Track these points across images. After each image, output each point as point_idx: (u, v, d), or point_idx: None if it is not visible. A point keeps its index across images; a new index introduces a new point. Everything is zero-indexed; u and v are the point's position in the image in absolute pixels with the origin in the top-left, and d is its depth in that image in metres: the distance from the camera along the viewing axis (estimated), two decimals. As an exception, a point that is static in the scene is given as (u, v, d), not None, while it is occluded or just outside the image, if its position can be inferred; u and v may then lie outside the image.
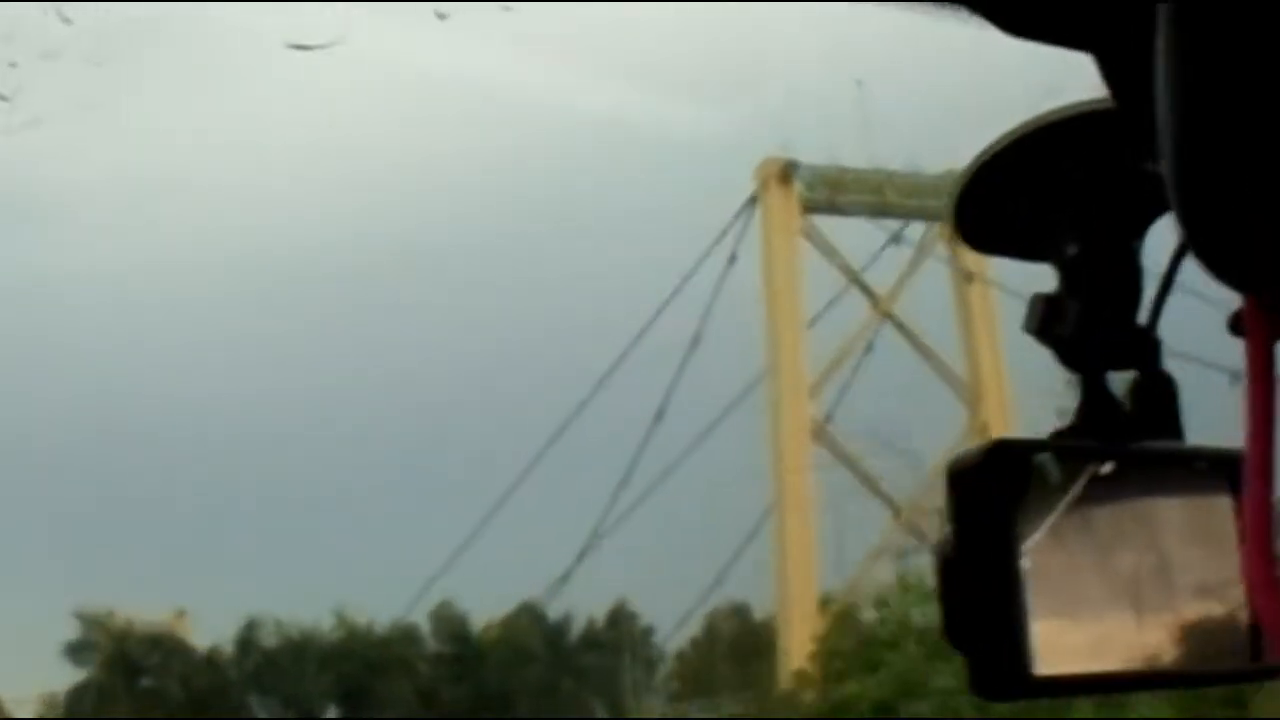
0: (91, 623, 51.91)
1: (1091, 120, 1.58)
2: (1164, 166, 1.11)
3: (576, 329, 62.28)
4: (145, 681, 50.40)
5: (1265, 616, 1.28)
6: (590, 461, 57.03)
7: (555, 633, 54.59)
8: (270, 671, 52.22)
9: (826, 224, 55.73)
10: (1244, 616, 1.60)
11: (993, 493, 1.53)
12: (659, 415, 56.17)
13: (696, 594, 56.28)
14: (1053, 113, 1.63)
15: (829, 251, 55.47)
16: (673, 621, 57.24)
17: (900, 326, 55.33)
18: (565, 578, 54.66)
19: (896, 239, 55.41)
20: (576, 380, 56.48)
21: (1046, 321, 1.65)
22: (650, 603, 56.08)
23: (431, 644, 54.52)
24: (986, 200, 1.68)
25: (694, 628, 57.43)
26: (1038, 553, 1.53)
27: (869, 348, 55.30)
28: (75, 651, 52.04)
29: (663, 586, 56.48)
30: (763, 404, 54.91)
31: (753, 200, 55.63)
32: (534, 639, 54.39)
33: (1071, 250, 1.65)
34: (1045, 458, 1.59)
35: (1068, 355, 1.65)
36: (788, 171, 55.26)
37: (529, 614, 54.61)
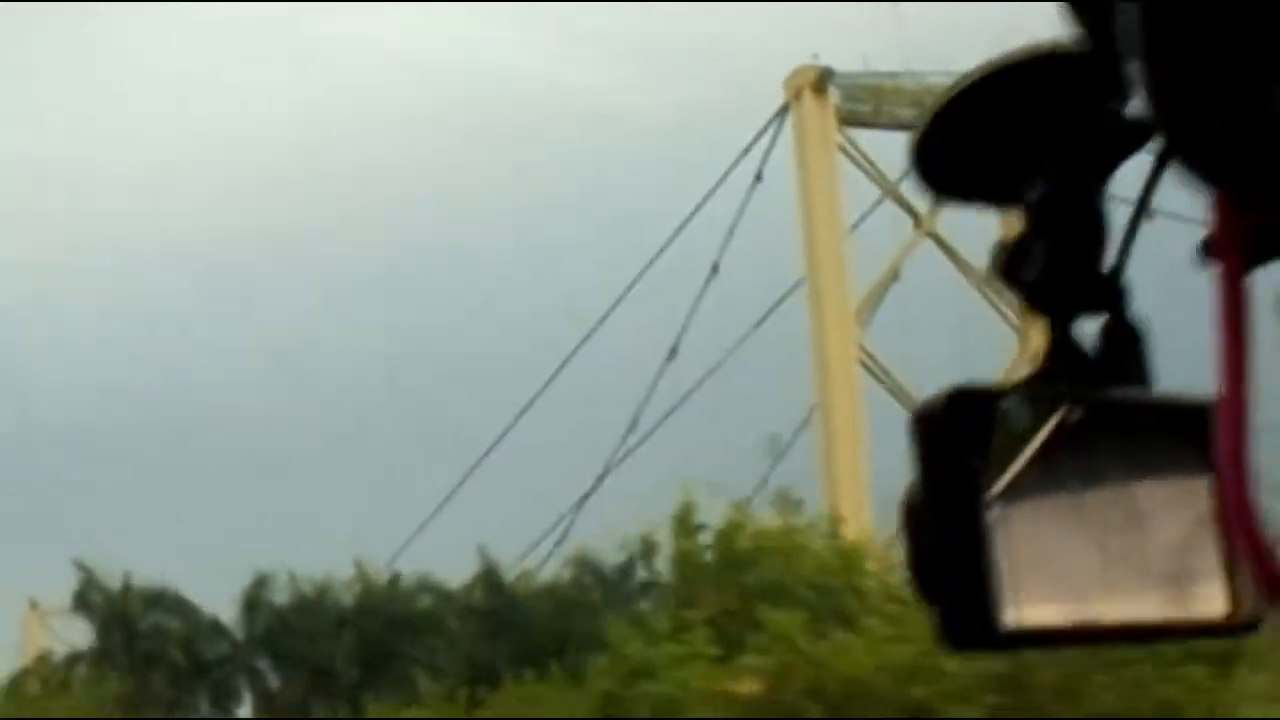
0: (89, 578, 51.73)
1: (1055, 61, 1.62)
2: (1130, 55, 1.15)
3: (583, 257, 61.84)
4: (143, 645, 50.23)
5: (1246, 554, 1.33)
6: (595, 403, 56.60)
7: (615, 577, 53.99)
8: (282, 632, 51.81)
9: (861, 137, 55.27)
10: (1221, 568, 1.64)
11: (957, 441, 1.60)
12: (672, 352, 55.58)
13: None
14: (1014, 54, 1.69)
15: (865, 166, 55.04)
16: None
17: (943, 245, 55.03)
18: (562, 527, 54.22)
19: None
20: (580, 314, 55.85)
21: (1012, 265, 1.71)
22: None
23: (463, 596, 53.91)
24: (948, 144, 1.73)
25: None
26: (1004, 502, 1.60)
27: (895, 274, 54.89)
28: (80, 605, 51.87)
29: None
30: (783, 333, 54.42)
31: (783, 111, 55.20)
32: (587, 586, 53.82)
33: (1036, 194, 1.71)
34: (1012, 404, 1.66)
35: (1034, 300, 1.71)
36: (822, 80, 54.78)
37: (580, 561, 53.97)
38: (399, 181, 66.17)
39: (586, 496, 54.90)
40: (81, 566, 51.49)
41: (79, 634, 51.54)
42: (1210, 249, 1.32)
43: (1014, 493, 1.62)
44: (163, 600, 52.07)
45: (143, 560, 51.76)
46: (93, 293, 66.98)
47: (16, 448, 61.55)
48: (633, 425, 55.20)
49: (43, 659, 50.66)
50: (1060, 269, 1.70)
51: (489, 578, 53.10)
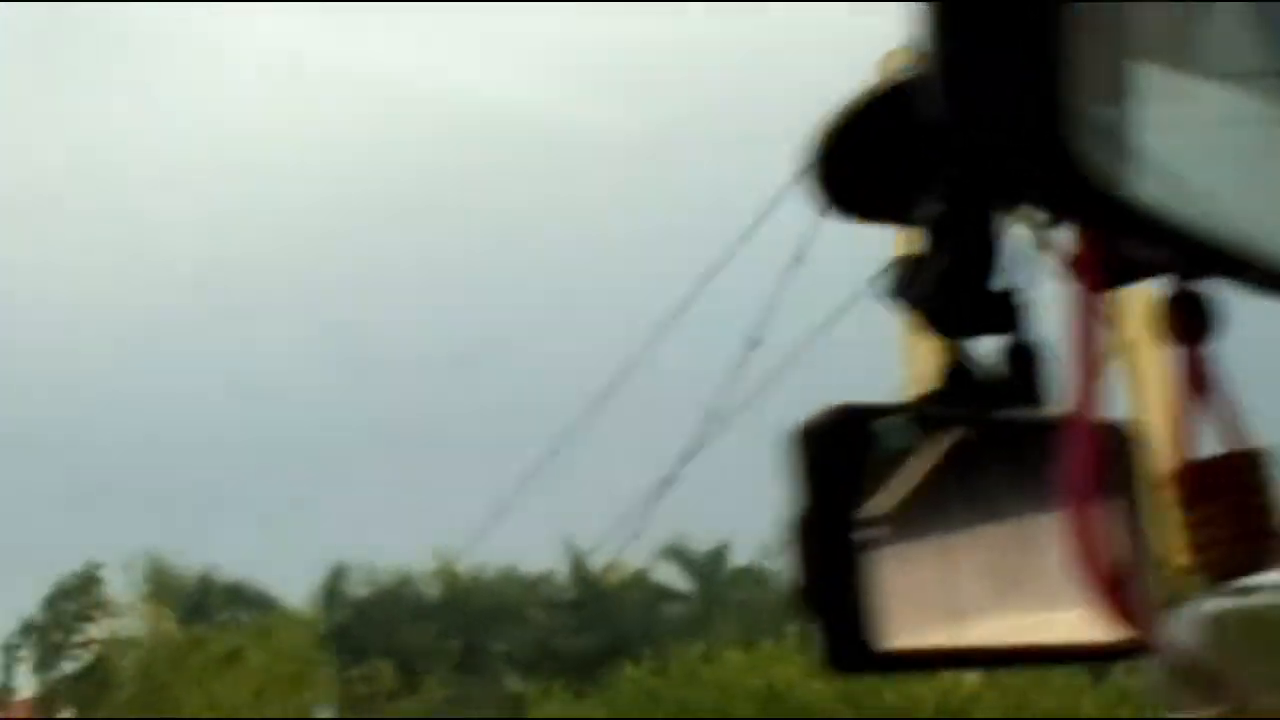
0: (164, 571, 51.79)
1: None
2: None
3: (660, 244, 61.55)
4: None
5: (1092, 581, 1.34)
6: (670, 396, 56.12)
7: (706, 567, 53.48)
8: (361, 625, 51.76)
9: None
10: None
11: (841, 459, 1.62)
12: (755, 339, 54.92)
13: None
14: (908, 69, 1.70)
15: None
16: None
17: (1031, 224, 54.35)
18: (640, 515, 53.71)
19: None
20: (657, 305, 55.45)
21: (905, 284, 1.72)
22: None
23: (546, 589, 53.57)
24: (845, 162, 1.75)
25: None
26: (889, 523, 1.62)
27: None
28: (156, 599, 51.85)
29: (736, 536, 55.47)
30: (872, 319, 53.90)
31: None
32: (677, 576, 53.27)
33: (934, 211, 1.71)
34: (901, 424, 1.68)
35: (927, 318, 1.72)
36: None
37: (671, 552, 53.60)
38: (480, 169, 66.40)
39: (667, 483, 54.48)
40: (154, 559, 51.65)
41: (135, 630, 51.38)
42: (1074, 267, 1.32)
43: (899, 513, 1.64)
44: (241, 594, 52.27)
45: (219, 554, 52.02)
46: (156, 283, 67.53)
47: (83, 443, 62.05)
48: (713, 413, 54.80)
49: (109, 656, 50.39)
50: (954, 288, 1.71)
51: (576, 568, 52.83)
